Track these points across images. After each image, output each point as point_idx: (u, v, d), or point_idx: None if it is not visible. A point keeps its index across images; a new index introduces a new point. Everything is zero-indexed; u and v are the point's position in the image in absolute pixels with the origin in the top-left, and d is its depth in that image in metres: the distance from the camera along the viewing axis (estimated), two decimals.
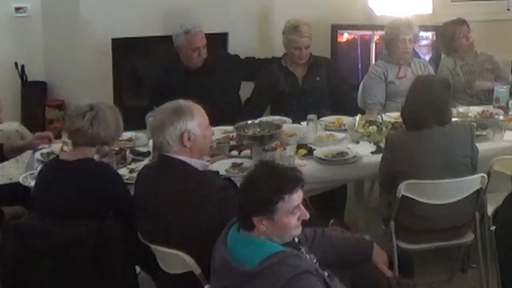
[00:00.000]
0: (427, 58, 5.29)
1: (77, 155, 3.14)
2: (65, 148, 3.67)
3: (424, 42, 5.40)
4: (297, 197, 2.43)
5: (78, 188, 3.04)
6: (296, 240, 2.58)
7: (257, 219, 2.39)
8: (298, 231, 2.49)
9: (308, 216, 2.49)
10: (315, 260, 2.57)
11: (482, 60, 4.95)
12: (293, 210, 2.42)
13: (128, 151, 3.76)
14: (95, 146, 3.16)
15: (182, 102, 2.95)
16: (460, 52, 4.91)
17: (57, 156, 3.36)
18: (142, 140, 3.95)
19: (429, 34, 5.37)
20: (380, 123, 4.00)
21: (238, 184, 3.10)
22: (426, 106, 3.40)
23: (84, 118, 3.11)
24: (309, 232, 2.76)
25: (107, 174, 3.15)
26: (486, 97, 4.77)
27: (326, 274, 2.55)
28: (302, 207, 2.46)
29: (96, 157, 3.22)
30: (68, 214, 3.00)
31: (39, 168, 3.53)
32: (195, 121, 2.90)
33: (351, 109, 4.46)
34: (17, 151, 3.74)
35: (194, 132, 2.89)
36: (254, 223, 2.39)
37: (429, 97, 3.43)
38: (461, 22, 4.92)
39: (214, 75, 4.65)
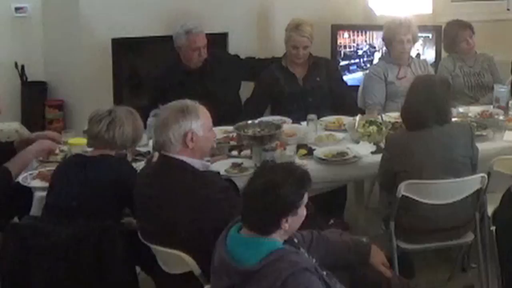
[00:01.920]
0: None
1: (96, 153, 3.24)
2: (64, 148, 3.69)
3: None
4: None
5: (98, 179, 3.10)
6: (296, 240, 2.58)
7: (285, 219, 2.41)
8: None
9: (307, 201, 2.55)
10: (314, 260, 2.57)
11: (482, 61, 4.95)
12: (306, 202, 2.49)
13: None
14: (113, 149, 3.24)
15: (188, 102, 2.96)
16: (460, 53, 4.91)
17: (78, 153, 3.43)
18: (142, 140, 3.94)
19: (429, 34, 5.37)
20: (380, 123, 4.00)
21: (239, 185, 3.12)
22: (426, 106, 3.41)
23: (101, 123, 3.19)
24: (306, 235, 2.77)
25: (125, 166, 3.22)
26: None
27: (325, 273, 2.55)
28: None
29: None
30: (88, 205, 3.04)
31: (38, 168, 3.55)
32: (199, 122, 2.90)
33: (351, 109, 4.46)
34: (28, 143, 3.73)
35: (197, 132, 2.89)
36: (281, 225, 2.41)
37: (430, 97, 3.43)
38: (465, 26, 4.89)
39: (214, 75, 4.65)
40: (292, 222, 2.44)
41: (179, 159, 2.88)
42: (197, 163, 2.93)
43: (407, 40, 4.58)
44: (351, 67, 5.55)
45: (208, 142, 3.01)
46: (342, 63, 5.51)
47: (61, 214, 3.06)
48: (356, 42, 5.54)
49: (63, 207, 3.08)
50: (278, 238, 2.44)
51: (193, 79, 4.59)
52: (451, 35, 4.96)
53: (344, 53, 5.55)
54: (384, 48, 5.00)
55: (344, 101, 4.71)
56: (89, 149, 3.40)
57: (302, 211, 2.48)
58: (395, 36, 4.57)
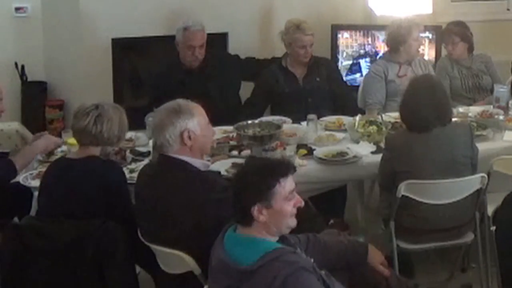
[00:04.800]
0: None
1: (83, 154, 3.17)
2: (64, 147, 3.68)
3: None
4: (291, 181, 2.47)
5: (84, 184, 3.06)
6: (292, 241, 2.58)
7: (256, 208, 2.40)
8: (294, 221, 2.51)
9: (303, 203, 2.52)
10: (312, 260, 2.56)
11: (480, 62, 4.95)
12: (289, 195, 2.46)
13: (128, 151, 3.76)
14: (99, 145, 3.19)
15: (181, 101, 2.96)
16: (453, 57, 4.91)
17: (63, 156, 3.39)
18: (142, 140, 3.95)
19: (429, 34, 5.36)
20: (380, 123, 4.00)
21: None
22: (428, 108, 3.39)
23: (88, 117, 3.13)
24: (302, 237, 2.77)
25: (112, 171, 3.17)
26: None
27: (323, 272, 2.55)
28: (296, 194, 2.49)
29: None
30: (74, 211, 3.02)
31: (38, 168, 3.55)
32: (194, 120, 2.90)
33: (351, 109, 4.46)
34: None
35: (194, 130, 2.89)
36: (253, 215, 2.40)
37: (430, 98, 3.42)
38: (449, 30, 4.89)
39: (214, 75, 4.64)
40: (270, 217, 2.41)
41: (180, 159, 2.88)
42: (198, 163, 2.92)
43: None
44: (352, 68, 5.55)
45: (206, 139, 2.99)
46: (344, 63, 5.51)
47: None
48: (356, 42, 5.54)
49: (52, 214, 3.06)
50: (266, 233, 2.44)
51: (192, 79, 4.58)
52: (442, 38, 5.00)
53: (345, 53, 5.56)
54: (385, 48, 4.99)
55: (344, 101, 4.71)
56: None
57: (280, 205, 2.43)
58: (412, 35, 4.55)
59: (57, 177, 3.15)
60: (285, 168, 2.48)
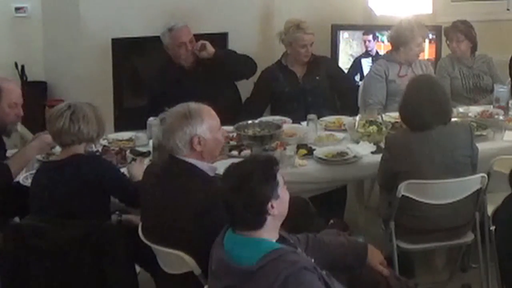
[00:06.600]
0: None
1: (66, 154, 3.17)
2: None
3: None
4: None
5: (71, 183, 3.06)
6: (292, 241, 2.58)
7: (270, 205, 2.41)
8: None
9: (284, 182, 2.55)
10: (313, 260, 2.57)
11: (481, 62, 4.94)
12: (284, 183, 2.48)
13: (128, 151, 3.76)
14: (82, 143, 3.17)
15: (192, 105, 2.92)
16: (455, 55, 4.91)
17: (47, 160, 3.42)
18: (142, 140, 3.95)
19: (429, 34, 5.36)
20: (380, 123, 4.00)
21: None
22: (428, 107, 3.40)
23: (62, 117, 3.12)
24: (302, 237, 2.76)
25: (96, 163, 3.18)
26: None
27: (324, 272, 2.54)
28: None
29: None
30: (67, 212, 3.02)
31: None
32: (204, 125, 2.87)
33: (354, 102, 4.46)
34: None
35: (204, 136, 2.86)
36: (269, 211, 2.40)
37: (431, 97, 3.43)
38: (454, 27, 4.87)
39: (209, 75, 4.61)
40: (278, 206, 2.43)
41: (189, 162, 2.85)
42: (206, 167, 2.90)
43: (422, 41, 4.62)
44: (352, 68, 5.53)
45: (217, 143, 2.95)
46: (344, 63, 5.50)
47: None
48: (357, 42, 5.54)
49: (47, 216, 3.06)
50: (272, 231, 2.44)
51: (187, 79, 4.55)
52: (446, 37, 4.98)
53: (345, 53, 5.55)
54: (385, 48, 5.00)
55: (348, 96, 4.73)
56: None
57: (283, 193, 2.46)
58: (414, 39, 4.54)
59: (44, 182, 3.14)
60: (273, 159, 2.52)
